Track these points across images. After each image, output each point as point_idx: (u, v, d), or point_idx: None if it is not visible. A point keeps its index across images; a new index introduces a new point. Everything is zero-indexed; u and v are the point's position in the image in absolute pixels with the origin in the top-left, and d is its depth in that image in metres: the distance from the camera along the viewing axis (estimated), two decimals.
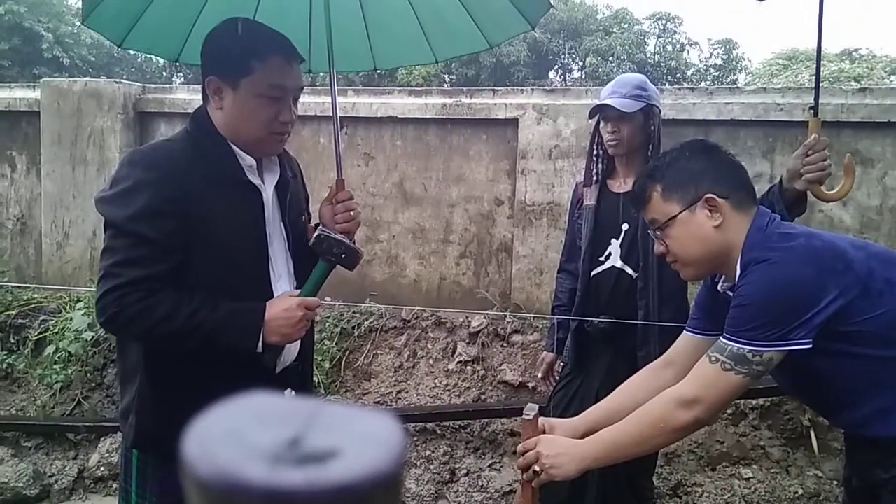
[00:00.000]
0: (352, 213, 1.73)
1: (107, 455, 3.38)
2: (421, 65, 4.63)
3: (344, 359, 3.67)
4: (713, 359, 1.42)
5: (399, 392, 3.57)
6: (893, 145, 3.43)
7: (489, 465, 3.32)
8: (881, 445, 1.42)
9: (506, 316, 3.68)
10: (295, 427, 0.30)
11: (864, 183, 3.45)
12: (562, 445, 1.50)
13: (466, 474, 3.30)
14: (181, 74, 24.85)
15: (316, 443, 0.29)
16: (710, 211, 1.49)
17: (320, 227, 1.64)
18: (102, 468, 3.37)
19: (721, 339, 1.43)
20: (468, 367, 3.56)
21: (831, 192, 1.91)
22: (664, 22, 30.07)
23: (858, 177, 3.38)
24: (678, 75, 28.32)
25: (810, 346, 1.35)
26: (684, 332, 1.71)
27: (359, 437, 0.30)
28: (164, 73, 26.17)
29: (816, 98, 1.93)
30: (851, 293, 1.37)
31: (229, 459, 0.28)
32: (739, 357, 1.38)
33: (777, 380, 1.61)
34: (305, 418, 0.31)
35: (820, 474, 3.08)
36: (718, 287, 1.59)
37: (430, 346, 3.67)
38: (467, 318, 3.70)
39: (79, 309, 3.76)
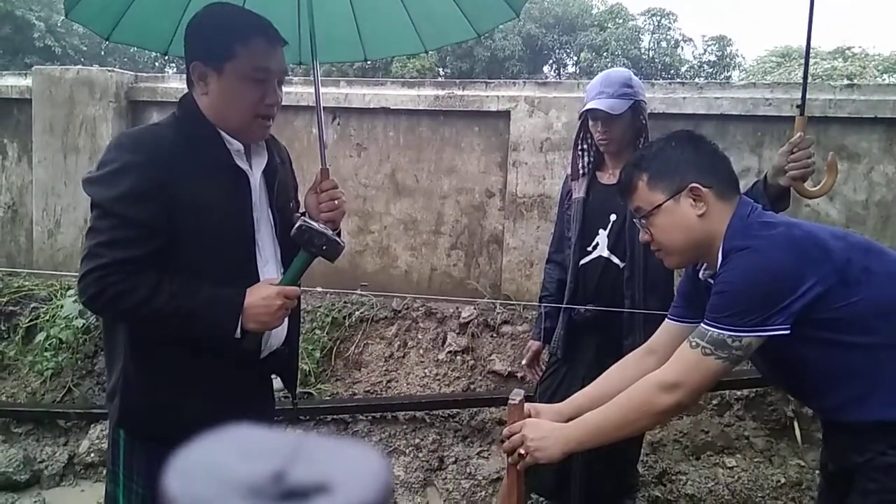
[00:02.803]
0: (336, 202, 1.71)
1: (97, 441, 3.39)
2: (410, 55, 4.62)
3: (335, 348, 3.69)
4: (694, 344, 1.45)
5: (389, 381, 3.60)
6: (880, 141, 3.47)
7: (477, 454, 3.36)
8: (856, 430, 1.46)
9: (496, 306, 3.71)
10: (278, 461, 0.29)
11: (851, 178, 3.49)
12: (546, 429, 1.53)
13: (455, 462, 3.33)
14: (174, 64, 24.71)
15: (300, 477, 0.28)
16: (695, 200, 1.52)
17: (302, 217, 1.63)
18: (93, 454, 3.39)
19: (702, 324, 1.46)
20: (458, 357, 3.59)
21: (814, 188, 1.95)
22: (659, 18, 30.11)
23: (845, 172, 3.43)
24: (672, 71, 28.37)
25: (788, 332, 1.39)
26: (666, 319, 1.74)
27: (344, 472, 0.29)
28: (157, 63, 26.05)
29: (804, 96, 1.96)
30: (829, 281, 1.40)
31: (211, 495, 0.27)
32: (719, 342, 1.41)
33: (756, 366, 1.64)
34: (289, 452, 0.30)
35: (802, 464, 3.13)
36: (700, 275, 1.62)
37: (420, 337, 3.70)
38: (458, 308, 3.73)
39: (70, 296, 3.76)
